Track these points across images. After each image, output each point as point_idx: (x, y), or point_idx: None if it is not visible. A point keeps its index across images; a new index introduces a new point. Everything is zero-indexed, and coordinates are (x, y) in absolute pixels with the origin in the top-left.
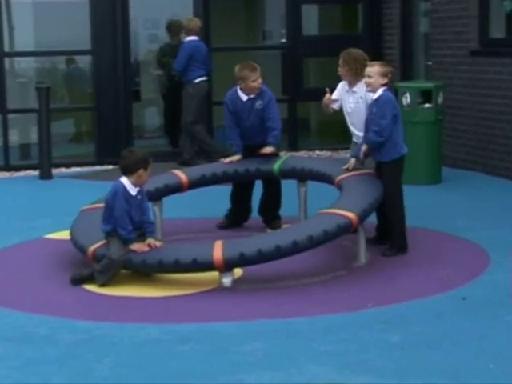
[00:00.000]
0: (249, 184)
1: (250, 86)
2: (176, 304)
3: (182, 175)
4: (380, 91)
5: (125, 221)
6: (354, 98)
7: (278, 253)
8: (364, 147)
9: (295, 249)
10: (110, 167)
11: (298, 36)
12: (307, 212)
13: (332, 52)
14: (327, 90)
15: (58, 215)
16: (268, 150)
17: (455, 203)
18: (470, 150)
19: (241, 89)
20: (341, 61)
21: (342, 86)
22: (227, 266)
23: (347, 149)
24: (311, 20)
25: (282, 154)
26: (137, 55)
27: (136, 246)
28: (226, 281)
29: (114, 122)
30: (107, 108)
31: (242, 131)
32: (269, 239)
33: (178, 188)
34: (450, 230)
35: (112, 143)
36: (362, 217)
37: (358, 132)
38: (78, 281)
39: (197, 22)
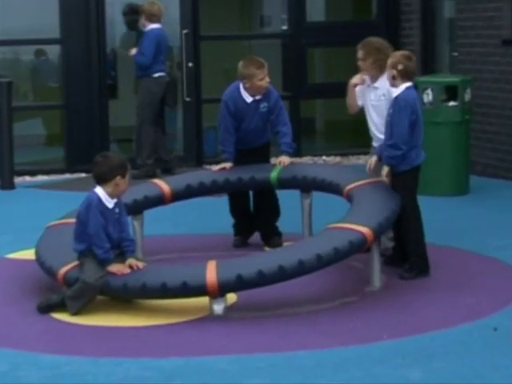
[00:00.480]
0: (245, 192)
1: (256, 85)
2: (160, 335)
3: (163, 185)
4: (401, 88)
5: (101, 238)
6: (375, 95)
7: (282, 274)
8: (386, 170)
9: (301, 270)
10: (83, 175)
11: (301, 22)
12: (312, 227)
13: (341, 41)
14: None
15: (21, 231)
16: (286, 161)
17: (485, 217)
18: (501, 155)
19: (245, 88)
20: (362, 53)
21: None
22: (222, 291)
23: (358, 154)
24: (317, 4)
25: (277, 160)
26: (113, 44)
27: (115, 268)
28: (218, 308)
29: (87, 123)
30: (79, 106)
31: (240, 135)
32: (270, 258)
33: (159, 200)
34: (478, 249)
35: (85, 147)
36: (378, 232)
37: (379, 134)
38: (45, 308)
39: (159, 6)
